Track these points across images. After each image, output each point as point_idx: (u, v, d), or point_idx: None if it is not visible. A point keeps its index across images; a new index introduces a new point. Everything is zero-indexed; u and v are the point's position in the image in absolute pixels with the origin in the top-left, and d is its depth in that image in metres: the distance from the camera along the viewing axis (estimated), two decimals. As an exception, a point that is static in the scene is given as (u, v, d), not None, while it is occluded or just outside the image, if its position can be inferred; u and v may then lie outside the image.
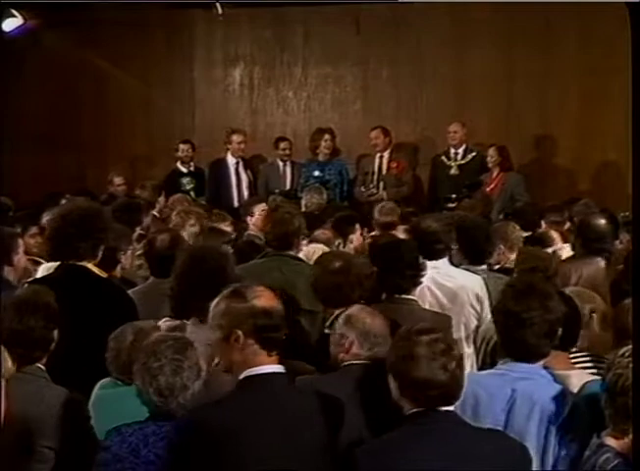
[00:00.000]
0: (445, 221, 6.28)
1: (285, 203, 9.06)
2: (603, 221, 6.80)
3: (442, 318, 5.32)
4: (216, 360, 4.25)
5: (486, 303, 5.76)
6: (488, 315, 5.51)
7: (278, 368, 3.64)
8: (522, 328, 3.89)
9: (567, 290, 4.87)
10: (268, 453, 3.49)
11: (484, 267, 6.17)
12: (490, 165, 11.11)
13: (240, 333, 3.59)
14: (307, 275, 5.59)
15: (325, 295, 5.24)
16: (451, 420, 3.49)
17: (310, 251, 6.87)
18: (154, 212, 9.32)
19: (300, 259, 6.38)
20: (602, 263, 6.44)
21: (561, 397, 3.84)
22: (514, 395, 3.82)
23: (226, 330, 3.63)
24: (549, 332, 3.97)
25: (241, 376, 3.61)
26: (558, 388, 3.91)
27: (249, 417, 3.51)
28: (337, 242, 7.26)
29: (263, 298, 3.65)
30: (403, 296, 5.41)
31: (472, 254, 6.15)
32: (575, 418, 3.78)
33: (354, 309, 4.58)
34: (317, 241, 7.14)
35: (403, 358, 3.48)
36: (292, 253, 6.32)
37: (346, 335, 4.38)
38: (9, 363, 3.13)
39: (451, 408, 3.50)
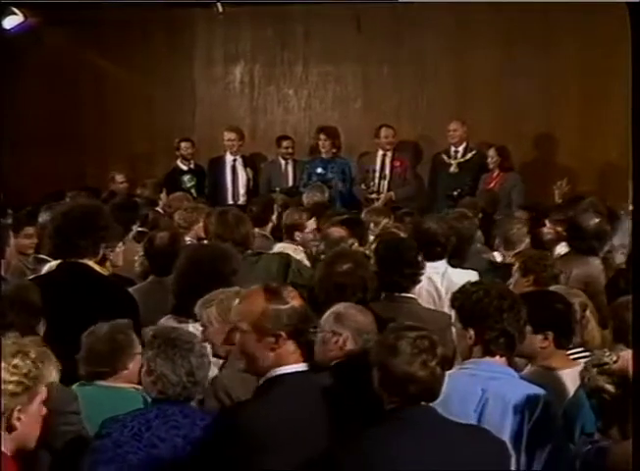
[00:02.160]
0: (445, 223, 6.32)
1: (286, 200, 9.10)
2: (594, 220, 6.79)
3: (441, 316, 5.33)
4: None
5: (441, 289, 5.85)
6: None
7: (303, 366, 3.62)
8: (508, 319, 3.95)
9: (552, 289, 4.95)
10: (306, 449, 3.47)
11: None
12: (490, 166, 11.13)
13: (283, 334, 3.54)
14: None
15: (326, 296, 5.18)
16: (430, 415, 3.49)
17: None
18: (158, 209, 9.40)
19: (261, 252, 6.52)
20: (596, 262, 6.46)
21: (534, 397, 3.83)
22: (486, 395, 3.81)
23: (266, 331, 3.55)
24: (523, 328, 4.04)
25: (271, 375, 3.57)
26: (529, 387, 3.92)
27: (289, 416, 3.49)
28: (350, 242, 7.22)
29: (297, 299, 3.61)
30: (403, 295, 5.43)
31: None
32: (549, 417, 3.80)
33: (342, 307, 4.59)
34: (330, 238, 7.07)
35: (387, 351, 3.51)
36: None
37: (338, 332, 4.40)
38: (53, 373, 3.00)
39: (430, 404, 3.51)
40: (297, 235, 7.39)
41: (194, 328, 4.70)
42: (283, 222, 7.60)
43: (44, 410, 2.90)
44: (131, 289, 5.51)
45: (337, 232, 7.17)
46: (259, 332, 3.54)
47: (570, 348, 4.58)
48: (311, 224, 7.50)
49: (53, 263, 5.51)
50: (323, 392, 3.65)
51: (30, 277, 5.64)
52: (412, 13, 12.04)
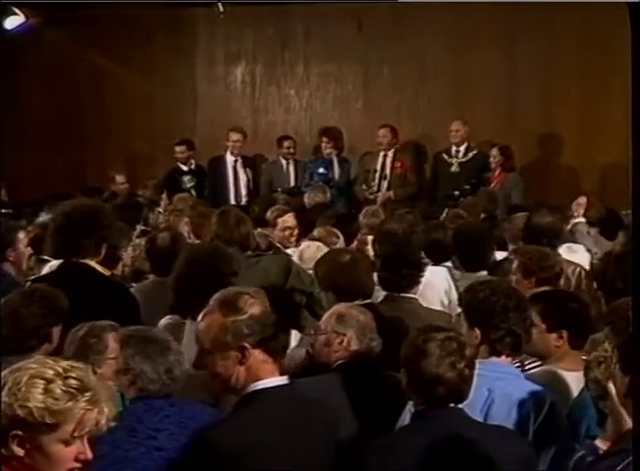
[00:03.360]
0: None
1: (288, 200, 9.11)
2: (548, 218, 6.79)
3: (441, 316, 5.36)
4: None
5: (453, 295, 5.84)
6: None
7: (283, 380, 3.47)
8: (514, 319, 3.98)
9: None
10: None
11: (484, 273, 6.13)
12: (492, 165, 11.14)
13: (247, 346, 3.40)
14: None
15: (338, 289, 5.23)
16: (458, 417, 3.52)
17: (304, 248, 6.99)
18: (159, 210, 9.42)
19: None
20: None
21: (540, 398, 3.85)
22: (492, 396, 3.83)
23: (229, 346, 3.42)
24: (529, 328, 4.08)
25: (248, 390, 3.42)
26: (535, 387, 3.93)
27: (264, 434, 3.35)
28: (334, 240, 7.25)
29: (257, 306, 3.45)
30: (403, 295, 5.46)
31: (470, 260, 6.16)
32: (554, 418, 3.82)
33: (342, 307, 4.62)
34: (314, 239, 7.17)
35: (415, 353, 3.52)
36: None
37: (342, 332, 4.41)
38: (76, 413, 2.72)
39: (459, 405, 3.52)
40: (271, 232, 7.46)
41: (193, 326, 4.59)
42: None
43: (77, 454, 2.71)
44: (132, 289, 5.54)
45: (319, 232, 7.30)
46: (222, 348, 3.41)
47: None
48: (285, 222, 7.55)
49: (54, 263, 5.51)
50: (307, 405, 3.54)
51: (32, 277, 5.63)
52: (413, 13, 12.06)
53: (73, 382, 2.69)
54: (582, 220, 8.21)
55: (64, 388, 2.67)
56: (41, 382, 2.66)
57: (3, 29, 11.96)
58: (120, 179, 11.43)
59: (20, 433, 2.65)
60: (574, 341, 4.44)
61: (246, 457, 3.31)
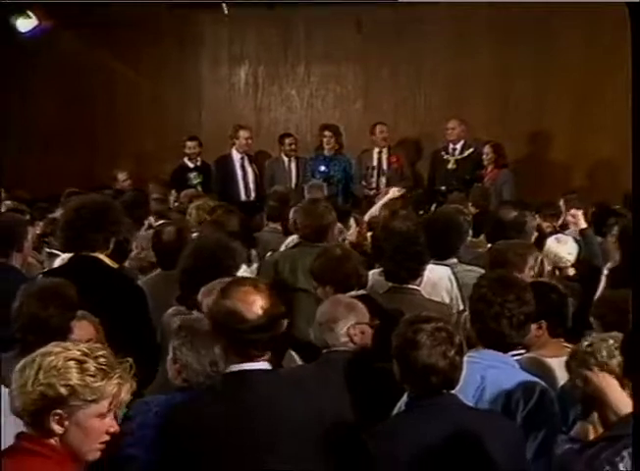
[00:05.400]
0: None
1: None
2: (512, 213, 6.72)
3: (442, 307, 5.35)
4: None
5: (454, 292, 5.83)
6: (458, 303, 5.64)
7: (260, 365, 3.47)
8: (499, 318, 3.95)
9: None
10: (248, 450, 3.40)
11: (454, 261, 6.11)
12: (485, 162, 11.12)
13: (221, 336, 3.50)
14: None
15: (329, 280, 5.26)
16: (452, 402, 3.53)
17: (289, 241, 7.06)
18: (167, 205, 9.45)
19: None
20: None
21: (530, 387, 3.86)
22: (484, 383, 3.84)
23: (214, 326, 3.56)
24: (523, 323, 4.03)
25: (226, 370, 3.51)
26: (526, 377, 3.94)
27: (222, 416, 3.40)
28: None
29: (248, 299, 3.45)
30: (405, 286, 5.45)
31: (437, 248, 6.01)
32: (543, 406, 3.83)
33: (338, 297, 4.69)
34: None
35: (406, 345, 3.51)
36: (324, 244, 6.24)
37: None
38: (110, 390, 2.86)
39: (452, 391, 3.54)
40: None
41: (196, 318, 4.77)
42: None
43: (108, 426, 2.84)
44: (140, 282, 5.57)
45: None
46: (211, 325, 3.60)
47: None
48: None
49: (65, 256, 5.52)
50: (274, 392, 3.50)
51: (44, 270, 5.70)
52: (411, 16, 12.06)
53: (102, 360, 2.82)
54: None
55: (97, 366, 2.80)
56: (75, 362, 2.78)
57: (17, 32, 12.02)
58: (122, 176, 11.42)
59: (59, 411, 2.76)
60: (553, 331, 4.46)
61: (199, 434, 3.38)
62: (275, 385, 3.53)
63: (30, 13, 12.08)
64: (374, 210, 8.18)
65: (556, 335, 4.50)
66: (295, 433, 3.42)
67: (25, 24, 12.15)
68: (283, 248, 7.01)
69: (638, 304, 2.99)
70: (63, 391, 2.75)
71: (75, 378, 2.76)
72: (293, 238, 7.11)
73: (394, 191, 8.58)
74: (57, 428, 2.77)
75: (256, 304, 3.45)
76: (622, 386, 3.32)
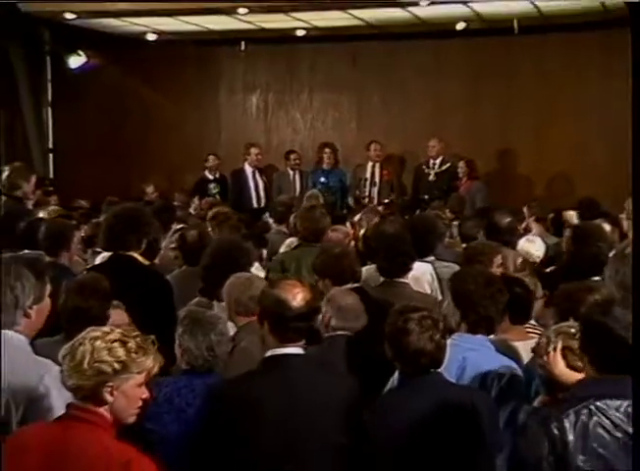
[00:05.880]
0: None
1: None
2: (507, 218, 6.68)
3: (429, 298, 5.33)
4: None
5: (435, 285, 5.81)
6: (437, 294, 5.60)
7: (297, 350, 3.43)
8: (487, 306, 3.94)
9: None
10: (280, 424, 3.37)
11: (433, 258, 6.07)
12: (460, 175, 11.21)
13: (265, 321, 3.46)
14: None
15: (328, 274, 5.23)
16: (438, 380, 3.53)
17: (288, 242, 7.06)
18: (190, 210, 9.45)
19: None
20: (511, 253, 6.12)
21: (503, 368, 3.83)
22: (465, 363, 3.81)
23: (258, 315, 3.53)
24: (504, 310, 4.03)
25: (266, 355, 3.45)
26: (501, 359, 3.91)
27: (265, 393, 3.37)
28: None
29: (294, 290, 3.43)
30: (396, 280, 5.41)
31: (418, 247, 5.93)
32: (514, 384, 3.81)
33: (334, 291, 4.66)
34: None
35: (398, 332, 3.48)
36: (320, 244, 6.29)
37: (326, 311, 4.45)
38: (148, 364, 2.89)
39: (438, 370, 3.53)
40: None
41: (219, 307, 4.74)
42: None
43: (143, 394, 2.88)
44: (168, 277, 5.51)
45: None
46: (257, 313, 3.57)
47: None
48: None
49: (105, 254, 5.53)
50: (306, 373, 3.47)
51: (88, 266, 5.71)
52: (399, 50, 12.08)
53: (139, 340, 2.89)
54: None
55: (137, 344, 2.87)
56: (119, 343, 2.85)
57: (69, 68, 12.25)
58: (150, 190, 11.42)
59: (111, 383, 2.82)
60: (516, 319, 4.39)
61: (247, 410, 3.36)
62: (309, 367, 3.51)
63: (81, 52, 12.19)
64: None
65: (517, 322, 4.44)
66: (330, 407, 3.40)
67: (75, 60, 12.28)
68: (283, 249, 7.01)
69: (638, 304, 2.94)
70: (116, 366, 2.81)
71: (123, 355, 2.82)
72: (292, 240, 7.11)
73: None
74: (109, 398, 2.83)
75: (300, 296, 3.42)
76: (569, 363, 3.38)
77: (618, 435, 2.80)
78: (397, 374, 3.72)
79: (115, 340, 2.84)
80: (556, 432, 2.79)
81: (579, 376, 3.16)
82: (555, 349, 3.44)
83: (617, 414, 2.81)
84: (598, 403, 2.81)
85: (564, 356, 3.43)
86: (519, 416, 3.55)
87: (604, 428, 2.80)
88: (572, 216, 8.14)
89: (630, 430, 2.80)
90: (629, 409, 2.81)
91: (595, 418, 2.80)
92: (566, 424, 2.80)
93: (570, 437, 2.78)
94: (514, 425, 3.57)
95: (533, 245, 6.65)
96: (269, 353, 3.44)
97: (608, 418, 2.81)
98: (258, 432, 3.35)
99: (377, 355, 3.79)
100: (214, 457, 3.39)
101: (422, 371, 3.49)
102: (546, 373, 3.49)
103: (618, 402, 2.81)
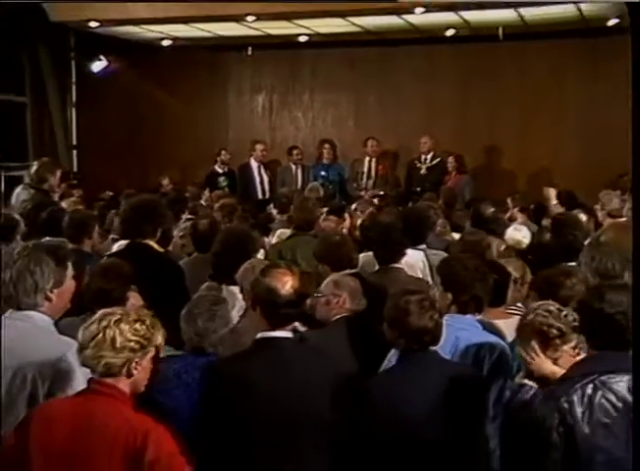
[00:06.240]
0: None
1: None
2: (490, 209, 6.66)
3: (421, 282, 5.33)
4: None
5: (426, 271, 5.80)
6: (428, 279, 5.57)
7: (286, 333, 3.41)
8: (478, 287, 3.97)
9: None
10: (274, 402, 3.35)
11: (424, 246, 6.06)
12: (449, 169, 11.21)
13: (257, 306, 3.47)
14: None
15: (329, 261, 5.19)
16: (435, 357, 3.54)
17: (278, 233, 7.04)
18: (202, 201, 9.45)
19: (315, 236, 6.33)
20: (496, 241, 6.05)
21: (493, 346, 3.84)
22: (458, 342, 3.82)
23: (251, 301, 3.55)
24: (491, 291, 4.06)
25: (257, 337, 3.44)
26: (491, 338, 3.92)
27: (258, 371, 3.37)
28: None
29: (283, 279, 3.39)
30: (392, 266, 5.38)
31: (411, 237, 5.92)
32: (502, 361, 3.82)
33: (337, 276, 4.61)
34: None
35: (400, 313, 3.48)
36: (312, 232, 6.32)
37: (338, 294, 4.37)
38: (160, 338, 2.94)
39: (435, 348, 3.54)
40: None
41: (227, 291, 4.72)
42: None
43: (152, 367, 2.95)
44: (180, 263, 5.53)
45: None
46: (250, 300, 3.61)
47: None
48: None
49: (122, 242, 5.52)
50: (296, 354, 3.45)
51: (107, 253, 5.65)
52: (394, 55, 12.03)
53: (152, 318, 2.93)
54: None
55: (152, 322, 2.91)
56: (140, 323, 2.89)
57: (91, 72, 12.34)
58: (165, 182, 11.45)
59: (137, 359, 2.86)
60: (494, 302, 4.30)
61: (241, 387, 3.35)
62: (298, 348, 3.50)
63: (102, 57, 12.21)
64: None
65: (495, 305, 4.34)
66: (319, 386, 3.38)
67: (97, 65, 12.33)
68: (275, 240, 6.97)
69: (638, 304, 2.96)
70: (143, 342, 2.86)
71: (145, 332, 2.86)
72: (282, 231, 7.10)
73: None
74: (135, 372, 2.87)
75: (289, 284, 3.40)
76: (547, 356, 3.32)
77: (620, 405, 2.95)
78: (392, 352, 3.72)
79: (136, 320, 2.88)
80: (565, 405, 2.93)
81: (561, 371, 3.17)
82: (536, 353, 3.32)
83: (619, 387, 2.96)
84: (602, 378, 2.96)
85: (544, 350, 3.31)
86: (505, 393, 3.50)
87: (608, 400, 2.96)
88: (552, 192, 8.11)
89: (630, 399, 2.94)
90: (630, 382, 2.95)
91: (600, 392, 2.95)
92: (574, 397, 2.94)
93: (579, 409, 2.93)
94: (503, 396, 3.57)
95: (520, 233, 6.64)
96: (259, 335, 3.43)
97: (611, 390, 2.96)
98: (253, 407, 3.34)
99: (375, 335, 3.79)
100: (214, 427, 3.39)
101: (423, 348, 3.50)
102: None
103: (619, 377, 2.96)
